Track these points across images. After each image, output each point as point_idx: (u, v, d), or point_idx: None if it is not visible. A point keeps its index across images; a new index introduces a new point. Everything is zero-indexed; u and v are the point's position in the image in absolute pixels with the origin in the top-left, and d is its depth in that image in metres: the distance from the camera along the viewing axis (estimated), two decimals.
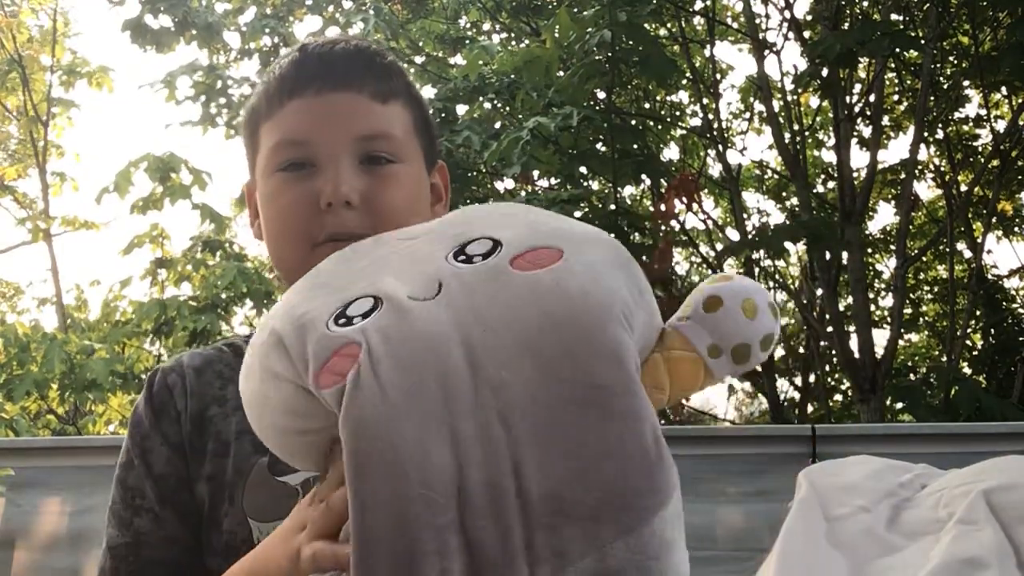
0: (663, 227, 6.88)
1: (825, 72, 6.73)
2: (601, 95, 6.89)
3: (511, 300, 0.63)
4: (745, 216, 8.49)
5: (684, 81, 8.21)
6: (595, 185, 7.66)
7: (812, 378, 8.87)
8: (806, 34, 7.50)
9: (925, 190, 9.18)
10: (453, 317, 0.62)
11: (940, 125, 7.99)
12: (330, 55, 0.92)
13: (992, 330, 8.50)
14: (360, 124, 0.90)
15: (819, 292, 7.96)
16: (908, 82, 8.22)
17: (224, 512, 0.92)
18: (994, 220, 8.05)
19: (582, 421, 0.58)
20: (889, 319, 8.20)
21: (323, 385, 0.61)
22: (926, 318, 9.72)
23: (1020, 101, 7.39)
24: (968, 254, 8.55)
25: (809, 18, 7.76)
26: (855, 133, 7.75)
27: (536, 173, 7.21)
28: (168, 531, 0.93)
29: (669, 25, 7.96)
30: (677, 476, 0.60)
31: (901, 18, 7.29)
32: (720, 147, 7.71)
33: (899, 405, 7.28)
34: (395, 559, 0.56)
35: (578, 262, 0.65)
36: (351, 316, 0.65)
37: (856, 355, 6.91)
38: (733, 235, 8.20)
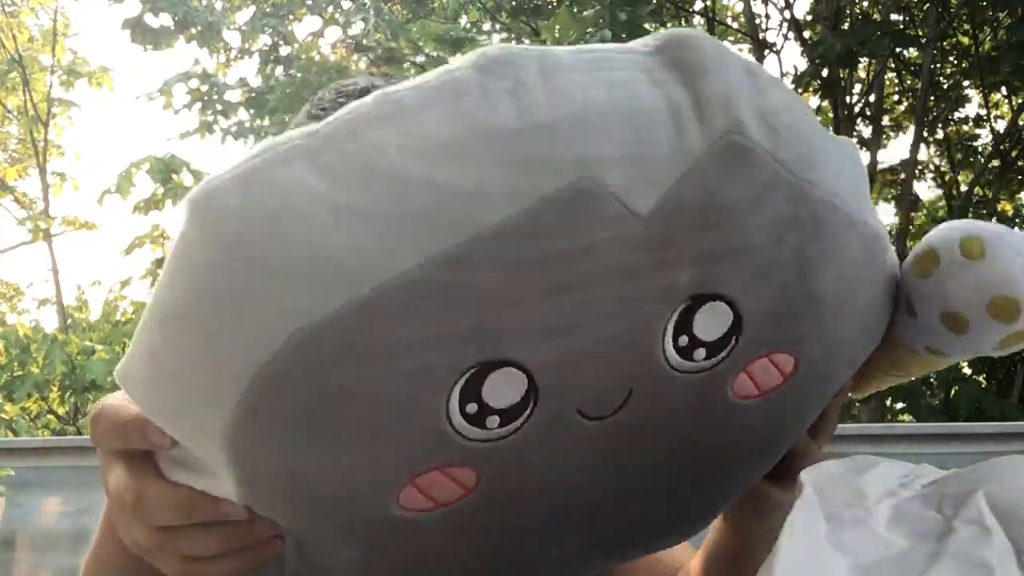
0: None
1: (825, 72, 6.74)
2: None
3: (706, 446, 0.43)
4: None
5: None
6: None
7: None
8: (806, 34, 7.51)
9: (925, 190, 9.19)
10: (608, 464, 0.42)
11: (940, 125, 7.99)
12: None
13: None
14: None
15: None
16: (908, 82, 8.23)
17: None
18: (994, 220, 8.05)
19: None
20: None
21: (404, 504, 0.39)
22: None
23: (1020, 101, 7.39)
24: None
25: (809, 18, 7.76)
26: (855, 133, 7.75)
27: None
28: None
29: (669, 25, 7.96)
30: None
31: (901, 18, 7.29)
32: None
33: (899, 405, 7.28)
34: None
35: (804, 378, 0.43)
36: (490, 405, 0.37)
37: None
38: None
